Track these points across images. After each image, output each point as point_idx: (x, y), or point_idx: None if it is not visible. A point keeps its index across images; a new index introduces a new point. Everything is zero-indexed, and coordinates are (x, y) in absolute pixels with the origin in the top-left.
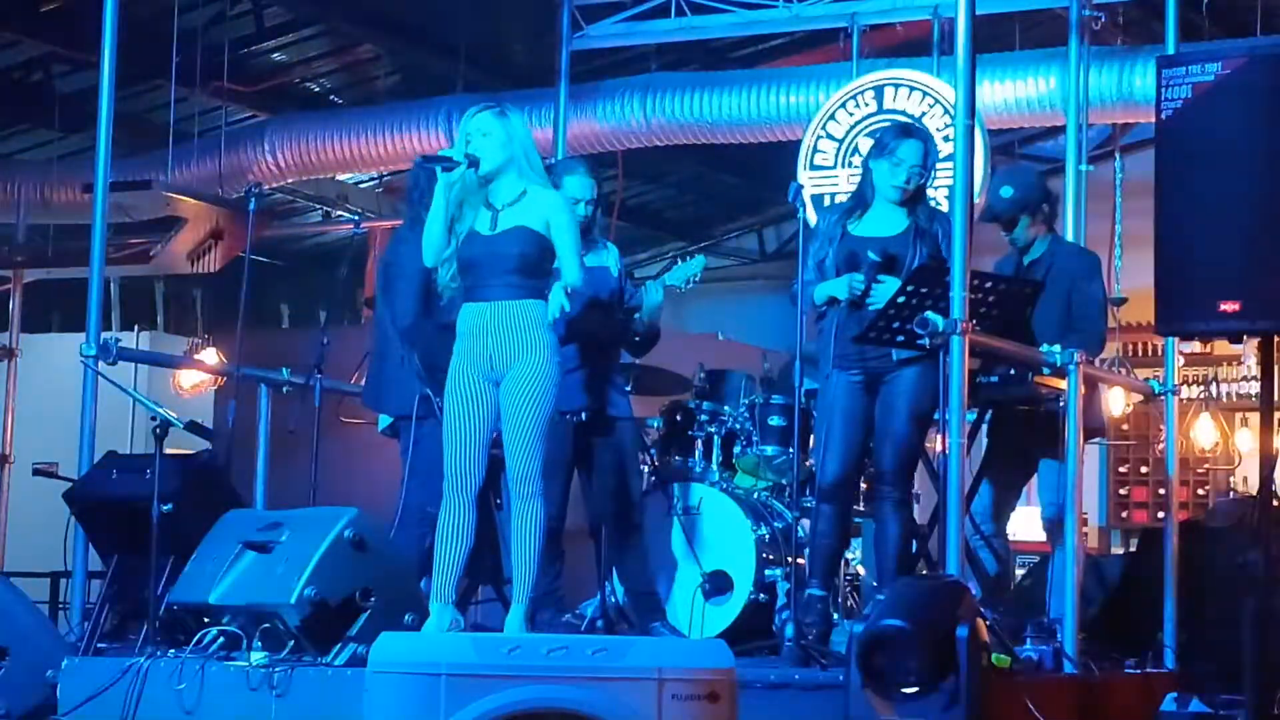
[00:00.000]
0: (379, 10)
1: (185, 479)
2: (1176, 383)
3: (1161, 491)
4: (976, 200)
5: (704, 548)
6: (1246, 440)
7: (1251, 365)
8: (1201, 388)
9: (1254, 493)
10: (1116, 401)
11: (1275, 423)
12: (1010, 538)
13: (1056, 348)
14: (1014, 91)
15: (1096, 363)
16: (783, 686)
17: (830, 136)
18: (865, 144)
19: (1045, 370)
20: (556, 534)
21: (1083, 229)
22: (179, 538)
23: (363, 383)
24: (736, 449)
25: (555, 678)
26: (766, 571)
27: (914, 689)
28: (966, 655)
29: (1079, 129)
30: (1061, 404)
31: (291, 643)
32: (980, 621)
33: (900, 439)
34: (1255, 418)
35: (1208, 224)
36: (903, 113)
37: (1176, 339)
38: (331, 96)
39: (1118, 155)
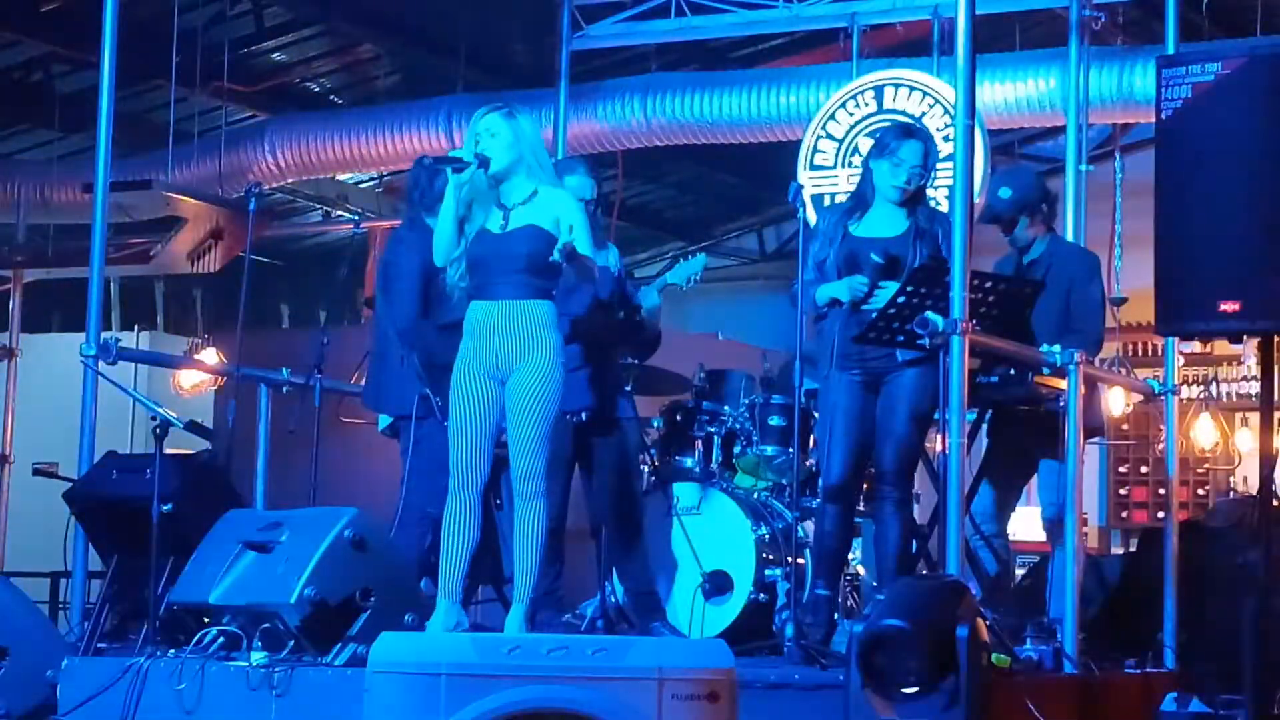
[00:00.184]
0: (379, 10)
1: (185, 479)
2: (1176, 383)
3: (1161, 491)
4: (976, 200)
5: (704, 548)
6: (1246, 440)
7: (1251, 365)
8: (1201, 388)
9: (1254, 493)
10: (1116, 401)
11: (1275, 423)
12: (1010, 538)
13: (1056, 348)
14: (1014, 91)
15: (1096, 363)
16: (783, 686)
17: (830, 136)
18: (865, 144)
19: (1045, 370)
20: (557, 534)
21: (1083, 229)
22: (179, 538)
23: (363, 383)
24: (736, 449)
25: (555, 678)
26: (766, 571)
27: (914, 689)
28: (966, 655)
29: (1079, 129)
30: (1061, 404)
31: (291, 643)
32: (980, 621)
33: (900, 439)
34: (1255, 418)
35: (1208, 224)
36: (903, 113)
37: (1176, 339)
38: (331, 96)
39: (1118, 155)
